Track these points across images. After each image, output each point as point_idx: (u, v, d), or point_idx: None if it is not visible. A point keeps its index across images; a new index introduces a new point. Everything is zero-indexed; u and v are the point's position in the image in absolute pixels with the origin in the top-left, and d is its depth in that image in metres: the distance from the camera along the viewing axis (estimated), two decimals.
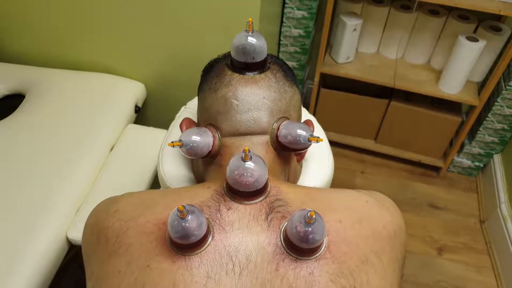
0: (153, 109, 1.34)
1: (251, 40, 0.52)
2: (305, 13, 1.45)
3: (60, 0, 1.11)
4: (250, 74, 0.53)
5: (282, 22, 1.48)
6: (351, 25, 1.40)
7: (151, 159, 1.00)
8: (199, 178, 0.61)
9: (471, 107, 1.44)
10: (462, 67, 1.34)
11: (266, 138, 0.53)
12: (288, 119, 0.55)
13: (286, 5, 1.43)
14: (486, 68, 1.41)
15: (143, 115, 1.36)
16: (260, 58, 0.53)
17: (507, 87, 1.35)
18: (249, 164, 0.46)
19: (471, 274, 1.34)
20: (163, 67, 1.19)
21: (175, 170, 0.63)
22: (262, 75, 0.54)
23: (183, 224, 0.41)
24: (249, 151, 0.45)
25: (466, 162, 1.63)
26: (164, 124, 0.93)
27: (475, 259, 1.38)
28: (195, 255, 0.43)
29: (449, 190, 1.60)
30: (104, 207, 0.52)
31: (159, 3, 1.06)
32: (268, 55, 0.56)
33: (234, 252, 0.44)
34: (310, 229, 0.41)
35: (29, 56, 1.27)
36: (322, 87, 1.59)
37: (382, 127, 1.63)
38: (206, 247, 0.44)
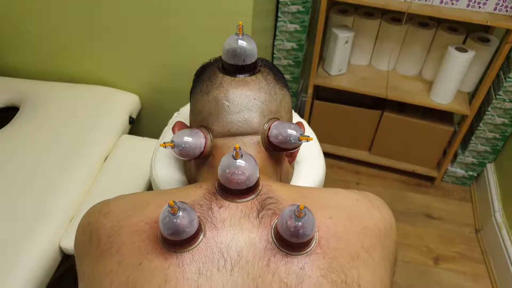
0: (147, 119, 1.35)
1: (242, 43, 0.53)
2: (297, 27, 1.48)
3: (55, 14, 1.14)
4: (241, 76, 0.55)
5: (275, 35, 1.51)
6: (343, 37, 1.42)
7: (144, 168, 1.00)
8: (191, 180, 0.61)
9: (463, 117, 1.46)
10: (452, 77, 1.36)
11: (257, 138, 0.54)
12: (279, 120, 0.56)
13: (278, 19, 1.46)
14: (476, 79, 1.44)
15: (138, 125, 1.36)
16: (250, 60, 0.54)
17: (497, 97, 1.38)
18: (240, 162, 0.46)
19: (468, 284, 1.34)
20: (156, 77, 1.21)
21: (167, 173, 0.64)
22: (253, 77, 0.55)
23: (174, 220, 0.42)
24: (240, 149, 0.46)
25: (460, 171, 1.64)
26: (158, 133, 0.94)
27: (471, 268, 1.38)
28: (187, 252, 0.43)
29: (443, 200, 1.61)
30: (96, 209, 0.52)
31: (151, 15, 1.08)
32: (258, 58, 0.57)
33: (226, 248, 0.44)
34: (300, 223, 0.41)
35: (24, 69, 1.28)
36: (316, 99, 1.61)
37: (376, 138, 1.64)
38: (198, 244, 0.44)
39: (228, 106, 0.53)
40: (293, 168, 0.66)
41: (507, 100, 1.38)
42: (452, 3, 1.23)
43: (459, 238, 1.47)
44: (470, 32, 1.39)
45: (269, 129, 0.53)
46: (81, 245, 0.50)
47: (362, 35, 1.49)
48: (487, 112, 1.43)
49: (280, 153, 0.57)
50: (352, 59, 1.57)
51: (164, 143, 0.52)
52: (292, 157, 0.61)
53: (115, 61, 1.20)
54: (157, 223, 0.46)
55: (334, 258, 0.44)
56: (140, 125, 1.37)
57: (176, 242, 0.43)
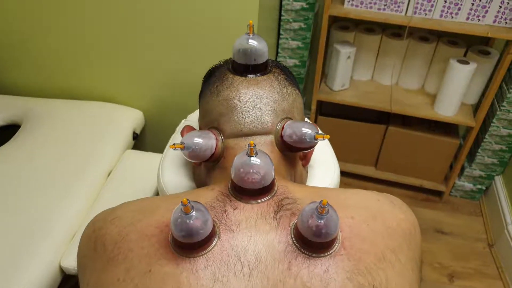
0: (151, 135, 1.34)
1: (252, 42, 0.52)
2: (299, 43, 1.49)
3: (57, 31, 1.14)
4: (252, 76, 0.53)
5: (277, 52, 1.52)
6: (345, 52, 1.43)
7: (148, 183, 0.97)
8: (201, 186, 0.59)
9: (468, 130, 1.44)
10: (455, 89, 1.36)
11: (270, 138, 0.52)
12: (292, 119, 0.54)
13: (281, 36, 1.47)
14: (479, 91, 1.44)
15: (142, 140, 1.35)
16: (261, 60, 0.53)
17: (501, 108, 1.37)
18: (255, 160, 0.44)
19: None
20: (160, 93, 1.20)
21: (176, 180, 0.61)
22: (264, 77, 0.54)
23: (187, 221, 0.39)
24: (255, 146, 0.44)
25: (468, 185, 1.61)
26: (162, 148, 0.92)
27: (487, 285, 1.33)
28: (201, 257, 0.41)
29: (453, 214, 1.57)
30: (101, 216, 0.50)
31: (153, 30, 1.09)
32: (269, 59, 0.56)
33: (243, 252, 0.41)
34: (323, 221, 0.39)
35: (26, 87, 1.28)
36: (319, 115, 1.60)
37: (381, 153, 1.62)
38: (212, 248, 0.41)
39: (239, 105, 0.51)
40: (307, 172, 0.64)
41: None
42: (452, 17, 1.24)
43: (473, 253, 1.42)
44: (470, 46, 1.39)
45: (282, 128, 0.52)
46: (85, 255, 0.47)
47: (363, 51, 1.50)
48: (492, 124, 1.42)
49: (294, 155, 0.55)
50: (354, 74, 1.57)
51: (174, 144, 0.50)
52: (306, 159, 0.59)
53: (119, 77, 1.20)
54: (167, 227, 0.43)
55: (360, 260, 0.41)
56: (144, 140, 1.35)
57: (189, 245, 0.40)
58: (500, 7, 1.18)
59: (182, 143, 0.50)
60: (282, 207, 0.45)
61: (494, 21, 1.21)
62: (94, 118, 1.15)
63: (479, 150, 1.50)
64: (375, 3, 1.28)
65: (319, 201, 0.38)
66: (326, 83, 1.56)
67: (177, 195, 0.50)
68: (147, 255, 0.42)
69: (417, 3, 1.24)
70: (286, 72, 0.57)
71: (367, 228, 0.44)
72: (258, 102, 0.52)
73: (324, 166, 0.64)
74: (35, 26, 1.14)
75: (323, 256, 0.40)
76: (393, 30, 1.48)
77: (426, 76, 1.51)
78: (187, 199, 0.39)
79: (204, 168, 0.56)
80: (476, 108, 1.46)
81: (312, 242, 0.40)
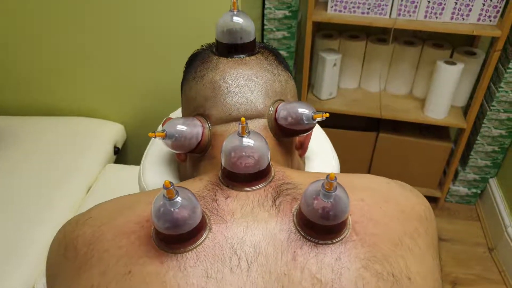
0: (133, 148, 1.28)
1: (237, 19, 0.48)
2: (284, 53, 1.46)
3: (33, 49, 1.09)
4: (239, 56, 0.49)
5: None
6: (330, 60, 1.41)
7: None
8: None
9: (459, 133, 1.42)
10: (444, 90, 1.34)
11: (263, 122, 0.47)
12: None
13: None
14: (468, 92, 1.43)
15: (124, 154, 1.28)
16: (248, 39, 0.48)
17: (491, 108, 1.36)
18: (248, 141, 0.39)
19: None
20: (141, 104, 1.15)
21: (158, 179, 0.55)
22: (253, 57, 0.49)
23: (172, 208, 0.33)
24: (247, 124, 0.38)
25: (463, 189, 1.57)
26: None
27: None
28: (190, 252, 0.34)
29: (450, 220, 1.52)
30: (74, 219, 0.43)
31: (132, 42, 1.05)
32: (256, 40, 0.51)
33: (239, 244, 0.35)
34: (331, 200, 0.33)
35: (5, 106, 1.21)
36: None
37: (373, 161, 1.59)
38: (203, 241, 0.35)
39: (226, 87, 0.46)
40: (304, 163, 0.58)
41: (502, 111, 1.36)
42: (436, 17, 1.23)
43: (474, 259, 1.37)
44: (455, 47, 1.39)
45: (276, 110, 0.46)
46: (54, 263, 0.41)
47: (349, 58, 1.48)
48: (483, 125, 1.40)
49: (290, 142, 0.50)
50: (341, 83, 1.55)
51: (154, 132, 0.44)
52: (303, 148, 0.54)
53: (97, 91, 1.15)
54: (149, 222, 0.37)
55: (374, 245, 0.35)
56: (126, 154, 1.28)
57: (175, 238, 0.34)
58: (484, 4, 1.18)
59: (163, 131, 0.45)
60: (282, 192, 0.39)
61: (478, 19, 1.21)
62: (74, 134, 1.09)
63: (472, 153, 1.48)
64: (358, 7, 1.27)
65: (326, 176, 0.33)
66: (313, 93, 1.53)
67: (160, 189, 0.44)
68: (126, 254, 0.35)
69: (401, 5, 1.23)
70: (275, 53, 0.52)
71: (380, 211, 0.38)
72: (247, 83, 0.47)
73: (322, 159, 0.59)
74: (10, 43, 1.09)
75: (332, 243, 0.35)
76: (378, 36, 1.47)
77: (414, 80, 1.49)
78: (170, 182, 0.33)
79: (190, 161, 0.51)
80: (465, 110, 1.45)
81: (319, 226, 0.34)
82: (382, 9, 1.25)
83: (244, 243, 0.35)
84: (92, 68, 1.10)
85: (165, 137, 0.45)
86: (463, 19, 1.22)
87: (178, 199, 0.34)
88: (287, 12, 1.39)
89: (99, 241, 0.37)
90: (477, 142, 1.44)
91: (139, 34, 1.04)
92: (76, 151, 1.03)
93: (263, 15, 1.41)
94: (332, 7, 1.29)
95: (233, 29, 0.48)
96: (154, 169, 0.57)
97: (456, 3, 1.19)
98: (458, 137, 1.45)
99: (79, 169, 0.98)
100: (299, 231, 0.36)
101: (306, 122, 0.45)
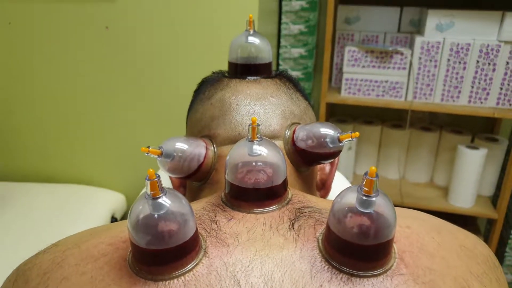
0: None
1: (253, 39, 0.44)
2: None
3: (30, 116, 1.09)
4: (253, 78, 0.43)
5: None
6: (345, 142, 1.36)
7: None
8: None
9: (489, 226, 1.29)
10: (469, 177, 1.26)
11: (279, 144, 0.39)
12: None
13: None
14: (493, 182, 1.34)
15: None
16: (264, 60, 0.44)
17: None
18: (259, 148, 0.31)
19: None
20: (143, 173, 1.08)
21: None
22: (268, 79, 0.44)
23: (155, 213, 0.25)
24: (258, 125, 0.31)
25: None
26: None
27: None
28: (175, 280, 0.25)
29: None
30: (36, 253, 0.34)
31: (132, 107, 1.03)
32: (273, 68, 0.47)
33: (244, 273, 0.25)
34: (372, 209, 0.24)
35: (2, 173, 1.16)
36: None
37: None
38: (194, 266, 0.25)
39: (237, 105, 0.40)
40: None
41: None
42: (453, 100, 1.22)
43: None
44: (475, 134, 1.35)
45: (294, 132, 0.39)
46: None
47: (364, 143, 1.44)
48: None
49: (311, 176, 0.42)
50: (357, 169, 1.49)
51: (148, 147, 0.36)
52: (325, 188, 0.45)
53: (97, 158, 1.11)
54: (125, 243, 0.28)
55: (431, 283, 0.25)
56: None
57: (157, 257, 0.25)
58: (501, 88, 1.16)
59: (160, 148, 0.37)
60: (302, 215, 0.30)
61: (497, 103, 1.18)
62: (69, 202, 1.01)
63: (507, 250, 1.32)
64: (373, 90, 1.27)
65: (365, 173, 0.25)
66: None
67: None
68: (90, 282, 0.26)
69: (416, 88, 1.23)
70: (294, 82, 0.47)
71: (433, 242, 0.29)
72: (261, 101, 0.41)
73: None
74: (7, 109, 1.10)
75: (374, 274, 0.25)
76: (393, 122, 1.45)
77: (434, 168, 1.42)
78: (156, 173, 0.25)
79: (189, 192, 0.42)
80: (493, 200, 1.34)
81: (355, 248, 0.25)
82: (398, 91, 1.25)
83: (251, 273, 0.25)
84: (92, 134, 1.08)
85: (161, 155, 0.37)
86: (481, 102, 1.20)
87: (165, 199, 0.25)
88: (300, 74, 1.38)
89: (58, 268, 0.28)
90: (511, 236, 1.30)
91: (141, 98, 1.03)
92: (70, 220, 0.95)
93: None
94: (346, 89, 1.29)
95: (248, 49, 0.43)
96: None
97: (472, 87, 1.18)
98: (489, 231, 1.31)
99: None
100: (326, 259, 0.26)
101: (330, 145, 0.38)
